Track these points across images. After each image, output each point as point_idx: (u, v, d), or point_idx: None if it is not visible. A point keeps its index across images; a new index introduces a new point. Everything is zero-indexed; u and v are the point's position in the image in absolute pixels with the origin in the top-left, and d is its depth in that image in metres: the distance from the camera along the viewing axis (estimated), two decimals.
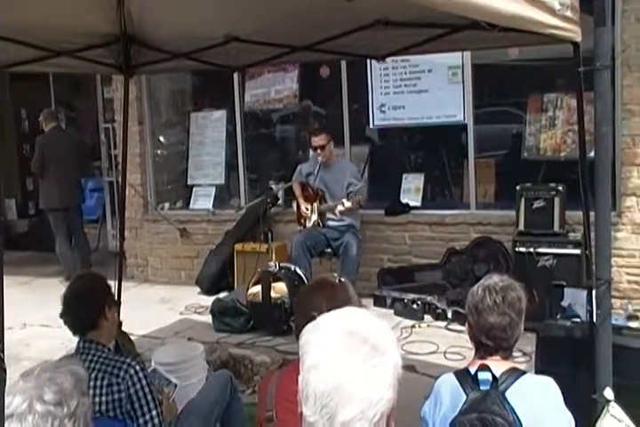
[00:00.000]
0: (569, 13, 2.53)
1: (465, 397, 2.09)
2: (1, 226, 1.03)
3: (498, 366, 2.14)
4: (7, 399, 1.52)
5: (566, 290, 4.88)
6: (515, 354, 4.56)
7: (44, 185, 7.52)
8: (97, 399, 2.55)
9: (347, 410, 1.18)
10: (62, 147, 7.42)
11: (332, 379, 1.19)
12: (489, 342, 2.18)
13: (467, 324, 2.28)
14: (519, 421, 2.01)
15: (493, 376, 2.08)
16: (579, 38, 2.61)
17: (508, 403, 2.02)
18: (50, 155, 7.34)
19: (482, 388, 2.09)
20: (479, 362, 2.16)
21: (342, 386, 1.19)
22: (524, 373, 2.15)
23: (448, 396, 2.16)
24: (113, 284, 4.50)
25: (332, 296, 1.94)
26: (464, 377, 2.14)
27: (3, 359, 1.00)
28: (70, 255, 7.58)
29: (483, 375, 2.09)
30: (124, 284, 5.38)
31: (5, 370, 1.01)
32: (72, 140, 7.89)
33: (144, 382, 2.61)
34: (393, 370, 1.22)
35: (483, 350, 2.20)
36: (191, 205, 7.73)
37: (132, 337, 5.02)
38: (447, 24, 3.20)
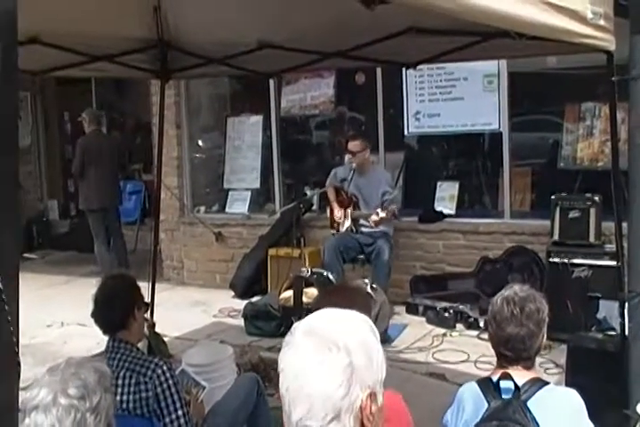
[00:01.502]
0: (602, 22, 2.51)
1: (487, 405, 2.10)
2: (18, 233, 1.08)
3: (520, 375, 2.14)
4: (33, 392, 1.58)
5: (601, 302, 4.80)
6: (548, 366, 4.58)
7: (83, 186, 7.68)
8: (125, 397, 2.61)
9: (297, 409, 1.18)
10: (102, 149, 7.57)
11: (287, 379, 1.20)
12: (508, 352, 2.18)
13: (487, 334, 2.29)
14: None
15: (516, 385, 2.08)
16: (612, 47, 2.59)
17: (530, 412, 2.02)
18: (90, 157, 7.49)
19: (504, 396, 2.09)
20: (501, 371, 2.16)
21: (292, 386, 1.19)
22: (546, 383, 2.15)
23: (470, 404, 2.17)
24: (148, 285, 4.62)
25: (347, 302, 1.95)
26: (486, 386, 2.15)
27: (17, 353, 1.04)
28: (108, 256, 7.70)
29: (505, 384, 2.10)
30: (159, 286, 5.47)
31: (19, 363, 1.06)
32: (111, 142, 8.03)
33: (171, 381, 2.65)
34: (347, 370, 1.18)
35: (503, 360, 2.21)
36: (227, 209, 7.80)
37: (165, 338, 5.11)
38: (478, 32, 3.20)
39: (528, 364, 2.19)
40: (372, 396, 1.20)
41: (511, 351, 2.17)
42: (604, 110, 5.74)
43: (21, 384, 1.24)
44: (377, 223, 5.70)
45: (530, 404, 2.06)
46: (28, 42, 3.39)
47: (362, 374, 1.19)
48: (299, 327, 1.25)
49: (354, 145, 5.99)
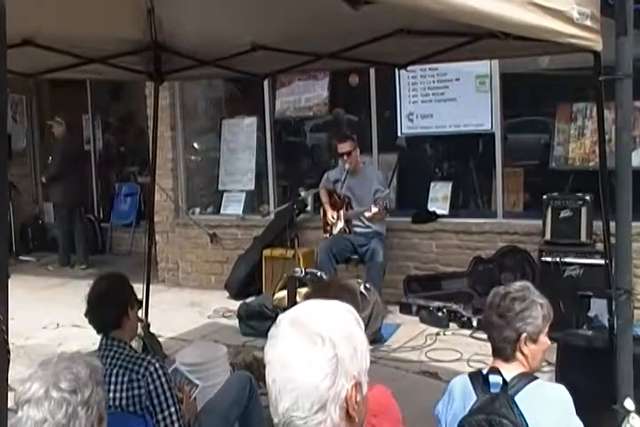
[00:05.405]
0: (588, 22, 2.53)
1: (475, 398, 2.13)
2: (6, 235, 1.10)
3: (510, 369, 2.18)
4: (26, 386, 1.61)
5: (593, 300, 4.83)
6: None
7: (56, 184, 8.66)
8: (117, 395, 2.63)
9: (284, 401, 1.19)
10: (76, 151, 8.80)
11: (274, 371, 1.21)
12: (490, 341, 2.25)
13: None
14: (527, 425, 2.03)
15: (504, 380, 2.11)
16: (599, 47, 2.61)
17: (517, 407, 2.05)
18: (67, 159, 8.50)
19: (492, 391, 2.13)
20: (493, 365, 2.21)
21: (279, 378, 1.20)
22: (535, 378, 2.17)
23: (460, 396, 2.21)
24: (143, 287, 4.63)
25: (333, 297, 1.98)
26: (477, 379, 2.19)
27: (7, 341, 1.07)
28: (68, 245, 8.74)
29: (493, 378, 2.14)
30: (154, 287, 5.48)
31: (9, 351, 1.08)
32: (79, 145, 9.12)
33: (163, 379, 2.67)
34: (332, 361, 1.19)
35: (492, 351, 2.26)
36: (222, 211, 7.83)
37: (160, 339, 5.12)
38: (467, 33, 3.24)
39: (504, 355, 2.22)
40: (357, 386, 1.22)
41: (491, 341, 2.25)
42: (595, 111, 5.77)
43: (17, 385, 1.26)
44: (370, 219, 5.76)
45: (517, 398, 2.09)
46: (22, 44, 3.41)
47: (347, 364, 1.20)
48: (284, 319, 1.26)
49: (343, 146, 6.01)
